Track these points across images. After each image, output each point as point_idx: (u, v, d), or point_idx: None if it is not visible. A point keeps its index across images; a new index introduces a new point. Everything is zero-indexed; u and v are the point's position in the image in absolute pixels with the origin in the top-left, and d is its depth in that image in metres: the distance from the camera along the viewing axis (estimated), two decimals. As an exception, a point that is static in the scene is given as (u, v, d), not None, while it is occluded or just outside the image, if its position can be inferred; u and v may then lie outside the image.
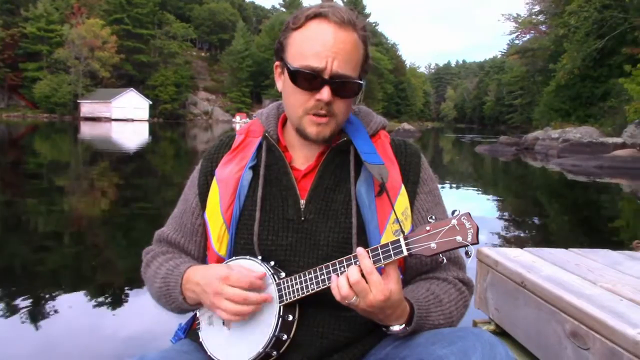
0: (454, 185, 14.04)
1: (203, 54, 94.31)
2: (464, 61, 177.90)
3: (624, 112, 24.79)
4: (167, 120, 73.20)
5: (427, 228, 1.18)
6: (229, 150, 1.52)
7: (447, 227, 1.17)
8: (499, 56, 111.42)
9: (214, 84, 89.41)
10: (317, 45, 1.32)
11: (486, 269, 2.50)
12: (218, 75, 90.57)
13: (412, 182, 1.45)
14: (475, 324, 2.56)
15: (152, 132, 43.60)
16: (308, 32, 1.33)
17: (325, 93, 1.31)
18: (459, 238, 1.15)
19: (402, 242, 1.19)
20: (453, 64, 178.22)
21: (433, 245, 1.17)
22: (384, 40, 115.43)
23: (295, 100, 1.37)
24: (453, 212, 1.19)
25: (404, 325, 1.28)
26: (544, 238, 7.43)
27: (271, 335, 1.28)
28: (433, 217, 1.21)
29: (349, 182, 1.40)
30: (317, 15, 1.32)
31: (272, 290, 1.31)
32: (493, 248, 2.56)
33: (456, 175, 17.10)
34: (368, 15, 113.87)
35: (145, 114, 73.15)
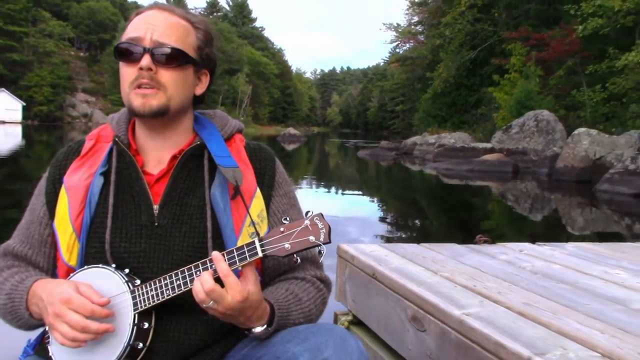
0: (339, 189, 14.47)
1: (82, 54, 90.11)
2: (348, 68, 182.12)
3: (493, 119, 26.50)
4: (42, 123, 69.15)
5: (281, 229, 1.22)
6: (77, 156, 1.48)
7: (300, 227, 1.21)
8: (381, 64, 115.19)
9: (93, 86, 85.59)
10: (138, 22, 1.38)
11: (345, 264, 2.68)
12: (98, 76, 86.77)
13: (267, 185, 1.47)
14: (336, 315, 2.73)
15: (25, 135, 41.03)
16: (134, 20, 1.40)
17: (144, 60, 1.32)
18: (311, 238, 1.19)
19: (257, 244, 1.21)
20: (338, 70, 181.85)
21: (287, 245, 1.20)
22: (270, 45, 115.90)
23: (123, 80, 1.37)
24: (306, 213, 1.23)
25: (265, 326, 1.29)
26: (423, 236, 7.84)
27: (125, 344, 1.27)
28: (287, 219, 1.24)
29: (203, 186, 1.40)
30: (144, 9, 1.41)
31: (127, 298, 1.29)
32: (351, 244, 2.74)
33: (341, 180, 17.59)
34: (254, 20, 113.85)
35: (18, 115, 68.76)
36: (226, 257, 1.22)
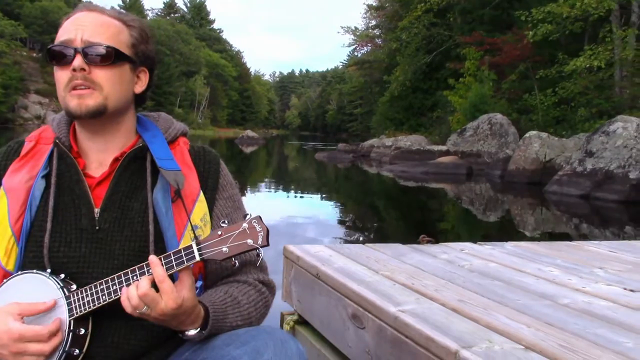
0: (298, 192, 14.53)
1: (35, 55, 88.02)
2: (307, 70, 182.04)
3: (448, 122, 26.95)
4: (-7, 125, 67.42)
5: (219, 233, 1.21)
6: (17, 157, 1.45)
7: (238, 231, 1.20)
8: (340, 67, 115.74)
9: (47, 87, 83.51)
10: (68, 25, 1.38)
11: (290, 264, 2.73)
12: (52, 77, 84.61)
13: (210, 189, 1.47)
14: (282, 315, 2.77)
15: (-26, 137, 39.86)
16: (64, 23, 1.40)
17: (76, 61, 1.32)
18: (250, 241, 1.19)
19: (195, 248, 1.21)
20: (297, 73, 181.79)
21: (225, 249, 1.20)
22: (228, 48, 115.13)
23: (58, 84, 1.37)
24: (245, 217, 1.23)
25: (199, 329, 1.29)
26: (380, 238, 7.94)
27: (61, 351, 1.25)
28: (225, 222, 1.23)
29: (145, 189, 1.39)
30: (73, 12, 1.41)
31: (62, 304, 1.28)
32: (297, 245, 2.79)
33: (300, 182, 17.65)
34: (212, 22, 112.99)
35: (-34, 117, 66.82)
36: (163, 262, 1.21)
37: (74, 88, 1.34)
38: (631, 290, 2.31)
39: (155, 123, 1.53)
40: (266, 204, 11.55)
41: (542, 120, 22.14)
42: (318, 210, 11.06)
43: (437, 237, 3.22)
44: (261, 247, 1.21)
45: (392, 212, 11.80)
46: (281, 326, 2.73)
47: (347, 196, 14.40)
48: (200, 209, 1.42)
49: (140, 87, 1.48)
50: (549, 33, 20.44)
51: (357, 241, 7.51)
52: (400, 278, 2.32)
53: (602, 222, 10.42)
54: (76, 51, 1.33)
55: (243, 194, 12.87)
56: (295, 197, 13.47)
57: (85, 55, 1.34)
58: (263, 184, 16.17)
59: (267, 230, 1.21)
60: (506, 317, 1.86)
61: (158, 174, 1.40)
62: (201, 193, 1.44)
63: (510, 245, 3.19)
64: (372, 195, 15.11)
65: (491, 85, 25.41)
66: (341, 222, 9.75)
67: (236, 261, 1.26)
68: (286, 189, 14.96)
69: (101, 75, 1.35)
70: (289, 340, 1.26)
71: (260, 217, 1.23)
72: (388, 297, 2.03)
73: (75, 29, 1.36)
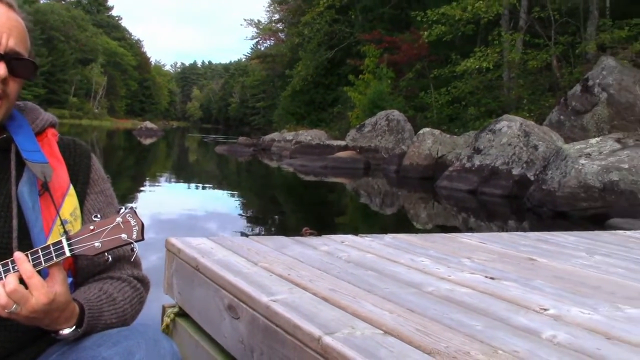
0: (198, 185, 14.39)
1: None
2: (210, 62, 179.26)
3: (348, 117, 27.47)
4: None
5: (91, 227, 1.17)
6: None
7: (111, 225, 1.17)
8: (243, 59, 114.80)
9: None
10: None
11: (172, 257, 2.73)
12: None
13: (81, 183, 1.42)
14: (164, 308, 2.77)
15: None
16: None
17: (1, 69, 1.24)
18: (124, 236, 1.16)
19: (65, 243, 1.16)
20: (199, 64, 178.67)
21: (97, 244, 1.16)
22: (127, 36, 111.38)
23: None
24: (119, 211, 1.19)
25: (74, 327, 1.24)
26: (278, 231, 7.99)
27: None
28: (98, 216, 1.20)
29: (10, 182, 1.32)
30: None
31: None
32: (179, 238, 2.79)
33: (200, 175, 17.46)
34: (111, 8, 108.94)
35: None
36: (30, 258, 1.15)
37: None
38: (491, 278, 2.48)
39: (21, 113, 1.43)
40: (165, 197, 11.36)
41: (437, 117, 23.03)
42: (217, 203, 10.99)
43: (336, 230, 3.32)
44: (136, 241, 1.18)
45: (291, 206, 11.93)
46: (162, 319, 2.73)
47: (247, 189, 14.39)
48: (70, 203, 1.36)
49: None
50: (443, 34, 21.30)
51: (252, 234, 7.55)
52: (278, 269, 2.38)
53: (488, 216, 11.02)
54: (1, 58, 1.26)
55: (141, 188, 12.59)
56: (196, 190, 13.33)
57: (8, 63, 1.26)
58: (162, 177, 15.88)
59: (142, 224, 1.19)
60: (372, 305, 1.96)
61: (24, 167, 1.32)
62: (71, 187, 1.38)
63: (389, 237, 3.33)
64: (272, 188, 15.19)
65: (389, 83, 26.11)
66: (240, 215, 9.76)
67: (109, 256, 1.21)
68: (186, 182, 14.76)
69: (13, 87, 1.29)
70: (162, 339, 1.24)
71: (134, 211, 1.20)
72: (262, 288, 2.08)
73: (0, 32, 1.27)
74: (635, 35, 16.55)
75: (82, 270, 1.41)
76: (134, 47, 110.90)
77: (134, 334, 1.22)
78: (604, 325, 1.91)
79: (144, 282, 1.51)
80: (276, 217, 10.29)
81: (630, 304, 2.19)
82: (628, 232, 4.47)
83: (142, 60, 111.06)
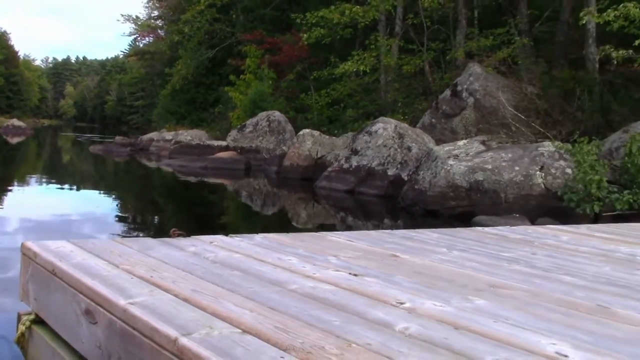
0: (72, 186, 13.76)
1: None
2: (84, 58, 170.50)
3: (229, 117, 27.23)
4: None
5: None
6: None
7: None
8: (121, 56, 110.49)
9: None
10: None
11: (28, 262, 2.59)
12: None
13: None
14: (19, 316, 2.63)
15: None
16: None
17: None
18: None
19: None
20: (73, 59, 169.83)
21: None
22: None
23: None
24: None
25: None
26: (155, 232, 7.79)
27: None
28: None
29: None
30: None
31: None
32: (36, 241, 2.65)
33: (75, 176, 16.70)
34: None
35: None
36: None
37: None
38: (355, 275, 2.56)
39: None
40: (34, 200, 10.74)
41: (317, 119, 23.35)
42: (92, 205, 10.52)
43: (216, 232, 3.29)
44: None
45: (170, 207, 11.67)
46: (17, 327, 2.59)
47: (124, 191, 13.93)
48: None
49: None
50: (322, 37, 21.64)
51: (127, 236, 7.32)
52: (140, 271, 2.33)
53: (364, 215, 11.36)
54: None
55: (7, 190, 11.82)
56: (69, 192, 12.71)
57: None
58: (32, 179, 15.00)
59: None
60: (233, 304, 1.96)
61: None
62: None
63: (259, 237, 3.34)
64: (150, 189, 14.79)
65: (270, 84, 26.15)
66: (116, 217, 9.39)
67: None
68: (59, 184, 13.99)
69: None
70: None
71: None
72: (121, 291, 2.03)
73: None
74: (499, 44, 17.68)
75: None
76: (1, 40, 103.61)
77: None
78: (453, 316, 2.03)
79: None
80: (153, 218, 10.04)
81: (479, 296, 2.35)
82: (486, 229, 4.76)
83: (9, 54, 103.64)
